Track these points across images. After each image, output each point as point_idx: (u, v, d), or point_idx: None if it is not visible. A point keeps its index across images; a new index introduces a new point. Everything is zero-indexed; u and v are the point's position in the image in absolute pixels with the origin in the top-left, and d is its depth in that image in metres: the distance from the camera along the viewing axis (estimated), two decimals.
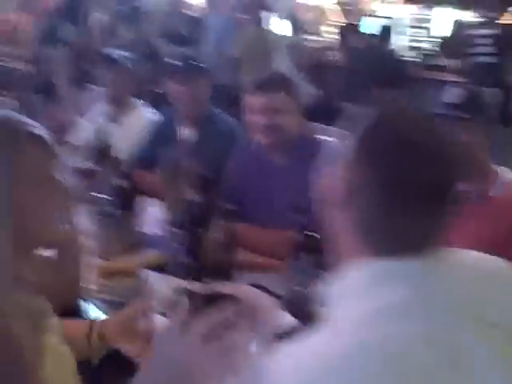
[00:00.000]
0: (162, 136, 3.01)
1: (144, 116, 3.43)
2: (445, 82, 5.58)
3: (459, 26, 7.80)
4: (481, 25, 6.19)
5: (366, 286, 0.92)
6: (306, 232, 1.88)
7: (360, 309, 0.89)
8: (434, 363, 0.83)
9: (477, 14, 7.78)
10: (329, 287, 0.97)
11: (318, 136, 2.56)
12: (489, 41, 5.65)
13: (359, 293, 0.92)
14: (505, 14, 7.27)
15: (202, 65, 3.09)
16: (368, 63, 5.52)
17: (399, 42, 8.81)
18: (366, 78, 5.38)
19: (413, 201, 0.92)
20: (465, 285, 0.95)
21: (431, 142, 0.95)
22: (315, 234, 1.88)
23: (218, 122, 2.99)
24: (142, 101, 3.63)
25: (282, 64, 5.71)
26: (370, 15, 9.60)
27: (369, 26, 8.09)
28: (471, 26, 6.44)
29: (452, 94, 2.05)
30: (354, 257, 0.95)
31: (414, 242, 0.93)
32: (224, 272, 1.99)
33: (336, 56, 7.06)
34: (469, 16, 8.73)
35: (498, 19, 6.29)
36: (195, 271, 1.99)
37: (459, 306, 0.90)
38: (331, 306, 0.95)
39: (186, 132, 3.00)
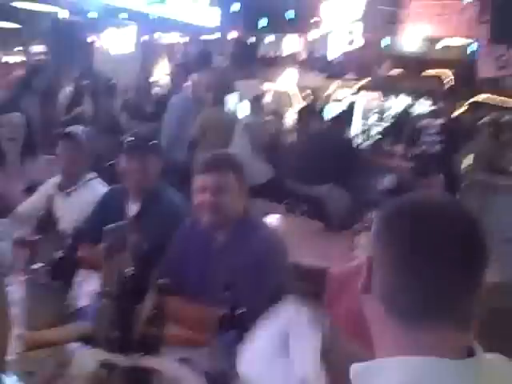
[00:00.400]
0: (108, 209, 3.06)
1: (95, 190, 3.46)
2: (393, 168, 5.82)
3: (407, 114, 8.18)
4: (429, 114, 6.49)
5: None
6: (234, 308, 1.94)
7: None
8: None
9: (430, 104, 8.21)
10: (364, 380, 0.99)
11: (258, 219, 2.66)
12: (436, 130, 5.92)
13: None
14: (456, 105, 7.67)
15: (153, 142, 3.20)
16: (321, 146, 5.72)
17: (357, 127, 9.16)
18: (318, 159, 5.55)
19: (434, 268, 0.94)
20: None
21: (449, 212, 0.99)
22: (243, 311, 1.95)
23: (164, 198, 3.06)
24: (96, 175, 3.69)
25: (240, 144, 5.88)
26: (334, 101, 9.99)
27: (332, 111, 8.46)
28: (420, 115, 6.75)
29: (386, 181, 2.20)
30: (383, 337, 0.99)
31: (440, 308, 0.95)
32: (152, 345, 2.01)
33: (293, 138, 7.28)
34: (425, 105, 9.20)
35: (449, 110, 6.58)
36: (123, 344, 2.00)
37: None
38: None
39: (132, 207, 3.07)
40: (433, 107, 7.64)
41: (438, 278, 0.94)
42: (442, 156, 5.77)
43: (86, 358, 1.85)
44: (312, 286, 2.95)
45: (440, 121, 5.97)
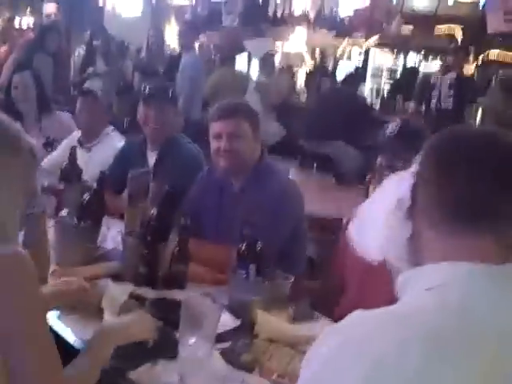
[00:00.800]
0: (129, 158, 3.18)
1: (114, 144, 3.59)
2: None
3: (418, 70, 8.19)
4: (440, 70, 6.50)
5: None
6: (252, 244, 2.06)
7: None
8: None
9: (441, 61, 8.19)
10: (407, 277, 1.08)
11: (273, 165, 2.76)
12: (447, 85, 5.96)
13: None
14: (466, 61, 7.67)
15: (170, 93, 3.29)
16: (333, 104, 5.77)
17: (369, 85, 9.19)
18: (329, 118, 5.62)
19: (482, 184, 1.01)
20: None
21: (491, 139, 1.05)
22: (260, 246, 2.08)
23: (182, 146, 3.18)
24: (113, 128, 3.80)
25: (251, 103, 5.93)
26: (346, 59, 9.98)
27: (344, 70, 8.50)
28: (431, 71, 6.77)
29: (390, 127, 2.33)
30: (427, 249, 1.07)
31: (483, 219, 1.01)
32: (176, 282, 2.14)
33: (304, 97, 7.33)
34: (435, 62, 9.19)
35: (460, 66, 6.59)
36: (150, 280, 2.14)
37: None
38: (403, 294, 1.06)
39: (152, 155, 3.18)
40: (443, 63, 7.63)
41: (480, 190, 1.01)
42: (453, 111, 5.80)
43: (117, 292, 1.97)
44: (326, 235, 3.07)
45: (451, 76, 5.99)
